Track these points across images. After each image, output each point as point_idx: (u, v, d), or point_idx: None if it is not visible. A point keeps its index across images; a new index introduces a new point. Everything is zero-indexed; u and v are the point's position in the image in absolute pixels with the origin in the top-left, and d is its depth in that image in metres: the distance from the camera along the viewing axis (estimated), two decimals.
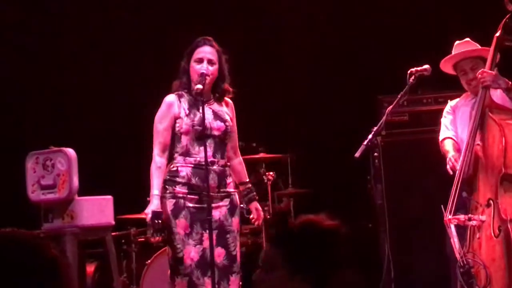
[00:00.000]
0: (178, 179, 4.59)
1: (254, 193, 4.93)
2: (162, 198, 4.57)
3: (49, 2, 7.76)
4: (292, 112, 7.71)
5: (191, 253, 4.53)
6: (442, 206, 4.61)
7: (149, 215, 4.49)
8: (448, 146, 4.99)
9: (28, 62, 7.51)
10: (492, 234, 4.51)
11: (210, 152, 4.58)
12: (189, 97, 4.70)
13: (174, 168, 4.62)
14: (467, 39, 5.09)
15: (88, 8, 7.71)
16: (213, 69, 4.67)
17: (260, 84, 7.41)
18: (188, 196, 4.57)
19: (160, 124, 4.66)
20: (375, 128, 4.81)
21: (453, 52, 5.06)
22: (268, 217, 6.59)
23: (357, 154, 4.64)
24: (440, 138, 5.08)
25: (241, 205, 4.82)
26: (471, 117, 4.77)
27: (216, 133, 4.65)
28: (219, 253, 4.57)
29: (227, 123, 4.71)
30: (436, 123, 5.32)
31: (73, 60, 7.72)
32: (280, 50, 7.78)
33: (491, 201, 4.57)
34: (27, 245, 1.91)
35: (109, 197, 5.76)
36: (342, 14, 7.59)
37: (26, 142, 6.68)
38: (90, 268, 6.30)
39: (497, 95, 4.84)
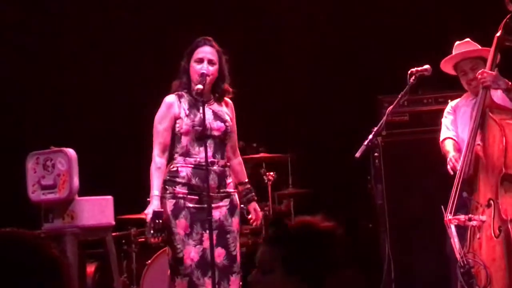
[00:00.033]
0: (178, 180, 4.59)
1: (253, 193, 4.93)
2: (162, 199, 4.57)
3: (49, 2, 7.76)
4: (292, 112, 7.71)
5: (191, 253, 4.53)
6: (442, 206, 4.61)
7: (150, 215, 4.49)
8: (448, 146, 4.98)
9: (28, 62, 7.50)
10: (493, 234, 4.51)
11: (210, 152, 4.58)
12: (189, 97, 4.70)
13: (174, 169, 4.62)
14: (467, 39, 5.08)
15: (88, 8, 7.71)
16: (213, 69, 4.67)
17: (260, 84, 7.41)
18: (188, 196, 4.57)
19: (160, 125, 4.66)
20: (376, 128, 4.80)
21: (453, 52, 5.06)
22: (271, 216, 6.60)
23: (357, 154, 4.64)
24: (441, 138, 5.08)
25: (241, 205, 4.82)
26: (472, 117, 4.77)
27: (216, 133, 4.65)
28: (219, 253, 4.57)
29: (227, 124, 4.71)
30: (437, 123, 5.31)
31: (73, 60, 7.72)
32: (280, 50, 7.78)
33: (491, 201, 4.57)
34: (27, 245, 1.91)
35: (109, 197, 5.76)
36: (342, 14, 7.59)
37: (26, 142, 6.68)
38: (91, 268, 6.30)
39: (497, 95, 4.84)
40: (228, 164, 4.75)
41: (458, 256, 4.52)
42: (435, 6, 7.34)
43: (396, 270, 5.44)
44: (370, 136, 4.72)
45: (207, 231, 4.49)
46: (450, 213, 4.58)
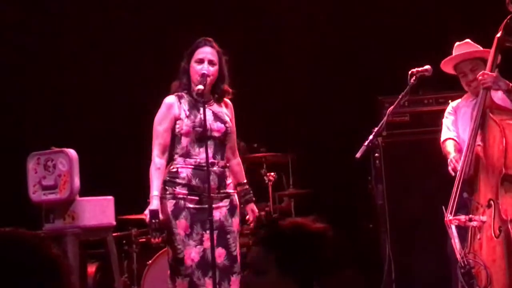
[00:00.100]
0: (178, 180, 4.58)
1: (251, 194, 4.93)
2: (162, 199, 4.57)
3: (49, 2, 7.76)
4: (292, 112, 7.72)
5: (192, 253, 4.53)
6: (443, 206, 4.60)
7: (148, 216, 4.50)
8: (449, 147, 4.98)
9: (28, 62, 7.51)
10: (493, 234, 4.51)
11: (210, 153, 4.57)
12: (189, 98, 4.69)
13: (174, 169, 4.62)
14: (467, 40, 5.07)
15: (88, 8, 7.72)
16: (213, 69, 4.67)
17: (260, 84, 7.41)
18: (188, 197, 4.57)
19: (160, 126, 4.65)
20: (376, 129, 4.80)
21: (453, 53, 5.05)
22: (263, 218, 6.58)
23: (358, 155, 4.64)
24: (442, 139, 5.08)
25: (241, 206, 4.82)
26: (472, 118, 4.76)
27: (216, 134, 4.65)
28: (220, 254, 4.57)
29: (227, 125, 4.70)
30: (437, 124, 5.31)
31: (73, 60, 7.73)
32: (280, 50, 7.78)
33: (491, 202, 4.56)
34: (27, 245, 1.91)
35: (110, 197, 5.76)
36: (342, 14, 7.59)
37: (26, 142, 6.68)
38: (91, 269, 6.31)
39: (498, 96, 4.83)
40: (228, 164, 4.75)
41: (458, 256, 4.52)
42: (435, 6, 7.34)
43: (397, 271, 5.45)
44: (371, 137, 4.71)
45: (207, 232, 4.49)
46: (451, 213, 4.58)
